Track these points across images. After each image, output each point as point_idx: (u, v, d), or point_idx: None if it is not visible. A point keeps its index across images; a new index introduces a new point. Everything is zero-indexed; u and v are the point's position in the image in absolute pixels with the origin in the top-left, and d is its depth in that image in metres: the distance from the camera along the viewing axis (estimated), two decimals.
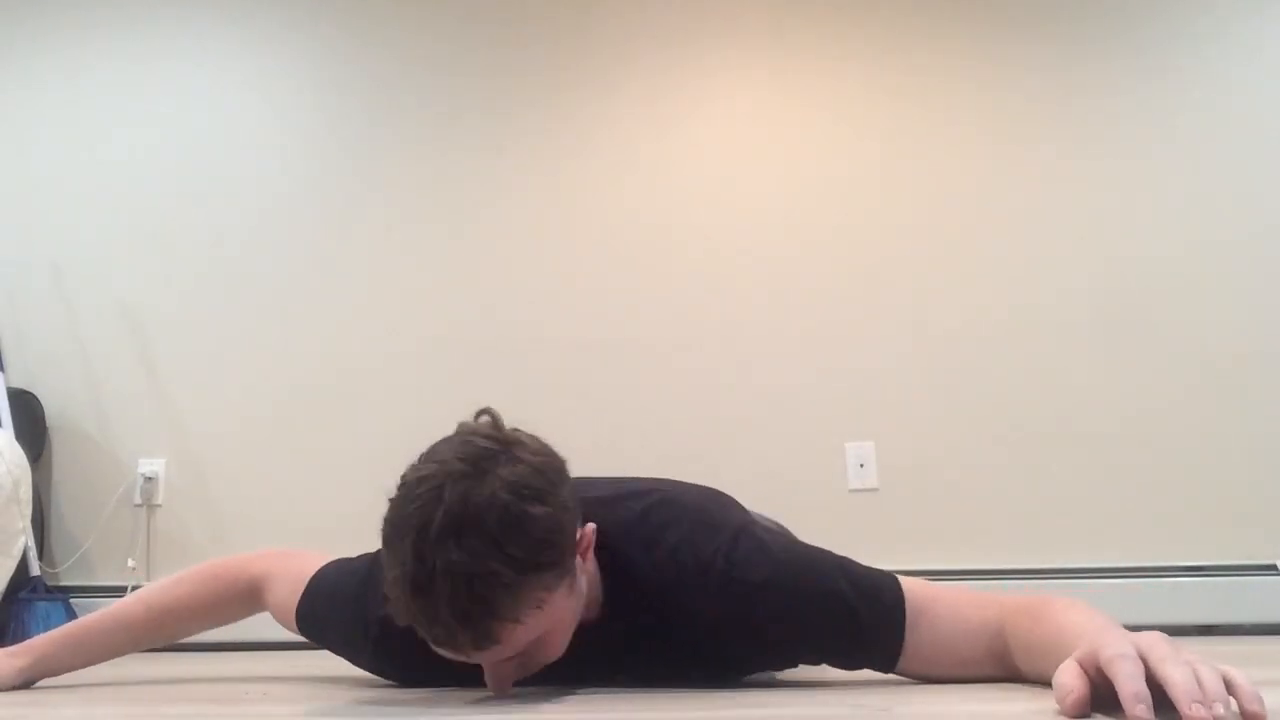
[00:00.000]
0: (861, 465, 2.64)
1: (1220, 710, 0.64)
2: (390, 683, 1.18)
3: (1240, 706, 0.66)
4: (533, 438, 0.97)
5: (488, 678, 0.94)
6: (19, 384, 2.72)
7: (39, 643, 1.25)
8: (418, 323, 2.80)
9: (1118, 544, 2.53)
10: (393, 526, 0.89)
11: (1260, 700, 0.66)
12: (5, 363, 2.71)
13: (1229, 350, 2.65)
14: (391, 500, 0.92)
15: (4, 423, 2.53)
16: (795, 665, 1.10)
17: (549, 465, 0.94)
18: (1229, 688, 0.67)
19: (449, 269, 2.83)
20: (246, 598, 1.25)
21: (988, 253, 2.76)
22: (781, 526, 1.27)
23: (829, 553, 1.06)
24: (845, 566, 1.03)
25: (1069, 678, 0.74)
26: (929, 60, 2.88)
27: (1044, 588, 2.41)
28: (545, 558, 0.89)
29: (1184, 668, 0.68)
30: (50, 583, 2.56)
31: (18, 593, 2.42)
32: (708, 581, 1.01)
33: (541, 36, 2.95)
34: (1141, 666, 0.69)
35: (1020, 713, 0.80)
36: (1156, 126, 2.80)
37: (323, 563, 1.20)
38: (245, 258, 2.85)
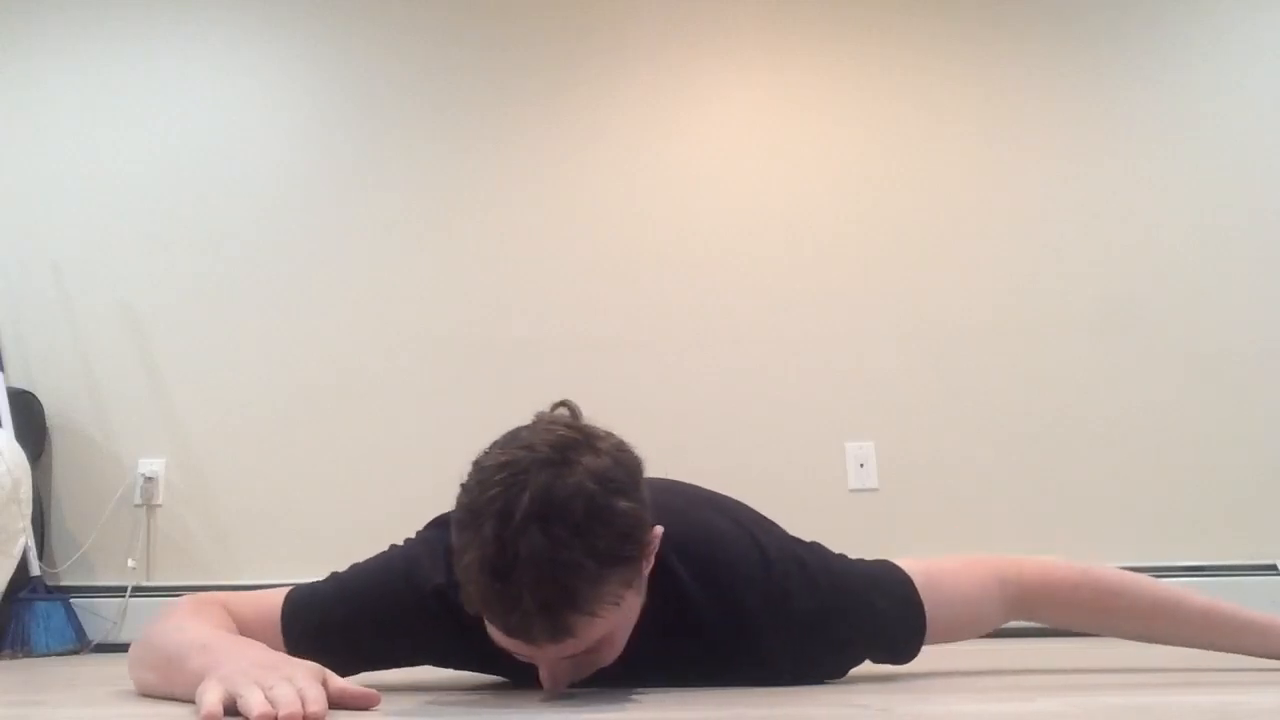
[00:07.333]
0: (861, 465, 2.64)
1: None
2: (390, 669, 1.13)
3: None
4: (609, 432, 0.95)
5: (544, 675, 0.92)
6: (19, 384, 2.71)
7: None
8: (418, 322, 2.79)
9: (1118, 544, 2.53)
10: (470, 510, 0.87)
11: None
12: (5, 363, 2.70)
13: (1229, 350, 2.65)
14: (465, 484, 0.89)
15: (4, 423, 2.53)
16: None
17: (629, 460, 0.93)
18: None
19: (449, 268, 2.83)
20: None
21: (988, 252, 2.76)
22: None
23: (846, 560, 1.10)
24: (875, 578, 1.08)
25: None
26: (928, 60, 2.88)
27: None
28: (626, 552, 0.88)
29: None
30: (50, 583, 2.55)
31: (18, 593, 2.41)
32: (757, 606, 1.02)
33: (541, 37, 2.94)
34: None
35: (1020, 713, 0.80)
36: (1155, 125, 2.80)
37: (273, 596, 1.08)
38: (245, 258, 2.85)
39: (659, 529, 0.94)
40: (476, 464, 0.90)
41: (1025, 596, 1.13)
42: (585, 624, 0.85)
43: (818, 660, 1.07)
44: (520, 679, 1.07)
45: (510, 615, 0.84)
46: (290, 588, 1.09)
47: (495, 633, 0.88)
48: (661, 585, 0.97)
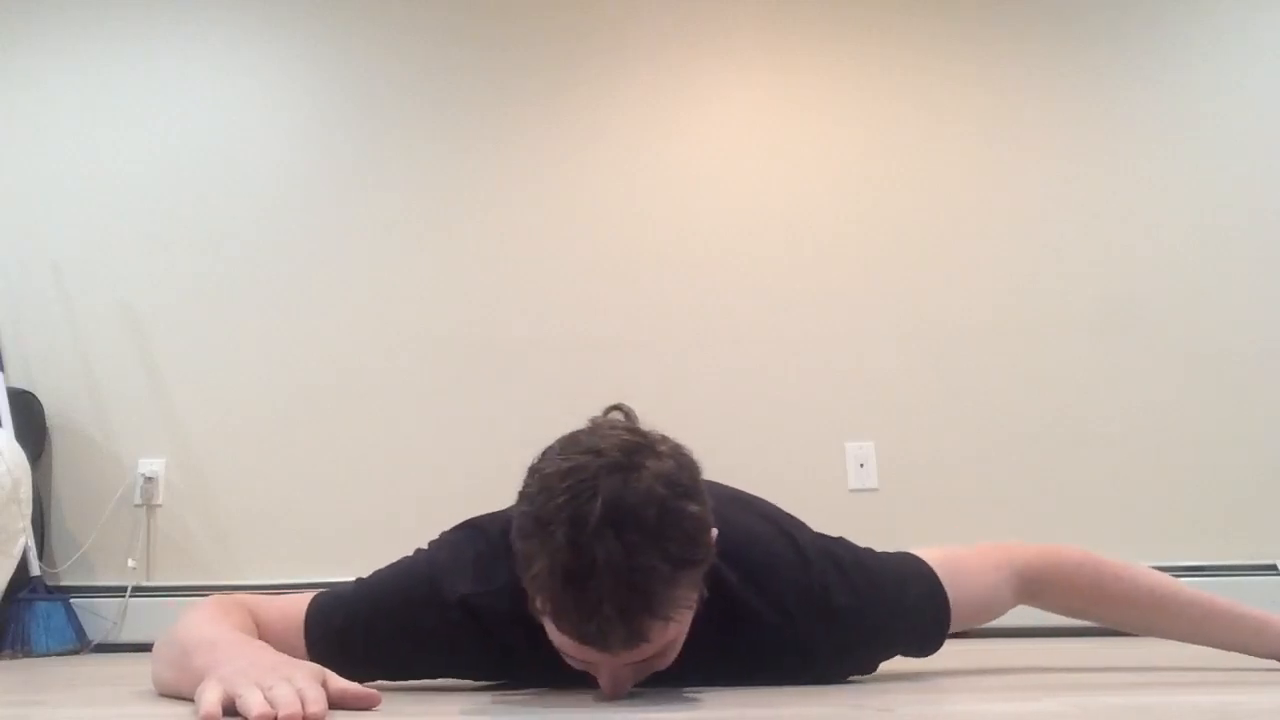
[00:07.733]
0: (861, 465, 2.64)
1: None
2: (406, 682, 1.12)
3: None
4: (664, 435, 0.95)
5: (605, 682, 0.91)
6: (19, 384, 2.71)
7: None
8: (418, 322, 2.79)
9: (1117, 544, 2.51)
10: (537, 519, 0.85)
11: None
12: (5, 363, 2.70)
13: (1229, 350, 2.65)
14: (526, 492, 0.88)
15: (4, 423, 2.53)
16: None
17: (689, 462, 0.93)
18: None
19: (449, 268, 2.83)
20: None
21: (988, 252, 2.76)
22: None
23: (874, 555, 1.11)
24: (905, 573, 1.08)
25: None
26: (928, 60, 2.88)
27: None
28: (696, 555, 0.87)
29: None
30: (50, 583, 2.55)
31: (18, 593, 2.41)
32: (798, 605, 1.03)
33: (541, 37, 2.94)
34: None
35: (1021, 713, 0.80)
36: (1155, 125, 2.80)
37: (299, 600, 1.09)
38: (245, 258, 2.85)
39: (715, 530, 0.93)
40: (536, 470, 0.89)
41: (1033, 578, 1.14)
42: (660, 628, 0.85)
43: (854, 656, 1.08)
44: (542, 688, 1.06)
45: (588, 623, 0.83)
46: (317, 592, 1.09)
47: (562, 640, 0.88)
48: (711, 586, 0.96)
